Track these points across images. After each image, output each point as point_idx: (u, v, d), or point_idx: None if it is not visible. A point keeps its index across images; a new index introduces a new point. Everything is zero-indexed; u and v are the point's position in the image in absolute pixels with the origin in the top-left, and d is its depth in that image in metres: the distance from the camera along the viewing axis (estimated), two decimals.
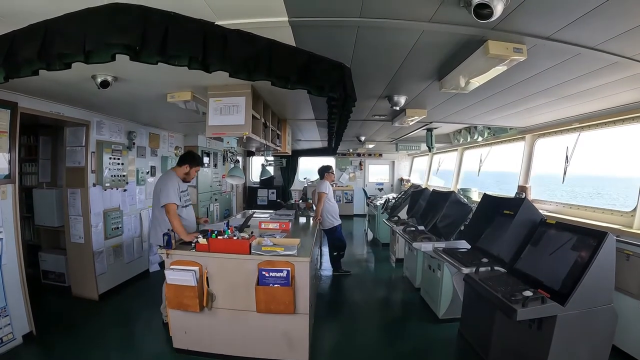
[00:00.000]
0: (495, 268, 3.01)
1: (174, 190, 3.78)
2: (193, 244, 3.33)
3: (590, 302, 2.37)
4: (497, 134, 6.04)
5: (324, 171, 6.18)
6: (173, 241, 3.32)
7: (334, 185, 11.98)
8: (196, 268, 3.21)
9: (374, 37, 2.24)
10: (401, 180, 12.88)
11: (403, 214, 5.99)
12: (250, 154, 11.80)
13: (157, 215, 3.89)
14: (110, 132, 4.99)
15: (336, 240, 5.97)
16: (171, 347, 3.44)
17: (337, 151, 10.55)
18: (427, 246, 4.03)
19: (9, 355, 3.34)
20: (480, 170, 7.44)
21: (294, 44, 2.22)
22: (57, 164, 5.36)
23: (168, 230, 3.44)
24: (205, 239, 3.29)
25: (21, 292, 3.58)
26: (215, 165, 8.20)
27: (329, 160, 12.99)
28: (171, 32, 1.63)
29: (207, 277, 3.24)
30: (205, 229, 3.88)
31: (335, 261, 6.08)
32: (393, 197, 8.29)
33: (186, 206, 4.06)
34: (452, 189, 7.62)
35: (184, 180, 4.03)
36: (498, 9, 1.64)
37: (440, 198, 4.61)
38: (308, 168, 13.00)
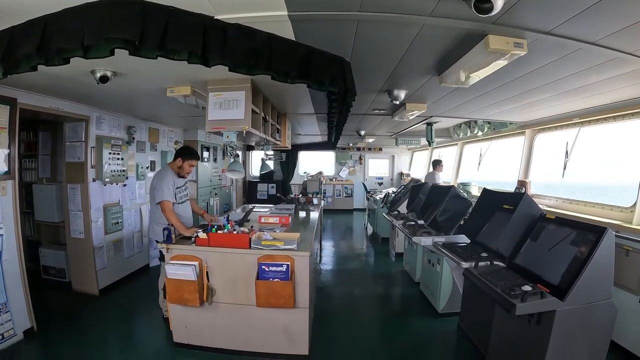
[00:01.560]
0: (495, 263, 3.01)
1: (168, 187, 3.73)
2: (193, 239, 3.34)
3: (589, 298, 2.37)
4: (497, 129, 6.04)
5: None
6: (173, 236, 3.33)
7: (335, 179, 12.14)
8: (196, 262, 3.22)
9: (374, 31, 2.23)
10: (401, 174, 12.88)
11: (403, 209, 5.99)
12: (250, 148, 11.79)
13: (154, 211, 3.87)
14: (109, 127, 4.97)
15: None
16: (172, 342, 3.45)
17: (337, 145, 10.53)
18: (426, 240, 4.04)
19: (10, 350, 3.35)
20: (479, 164, 7.43)
21: (294, 38, 2.21)
22: (57, 160, 5.35)
23: (168, 225, 3.44)
24: (205, 234, 3.29)
25: (22, 288, 3.59)
26: (215, 160, 8.19)
27: (329, 155, 13.02)
28: (170, 26, 1.62)
29: (207, 272, 3.25)
30: (205, 224, 3.88)
31: None
32: (393, 191, 8.29)
33: (182, 202, 3.99)
34: (451, 184, 7.63)
35: (179, 175, 3.95)
36: (498, 3, 1.63)
37: (440, 192, 4.61)
38: (308, 162, 13.00)
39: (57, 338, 3.63)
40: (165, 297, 3.71)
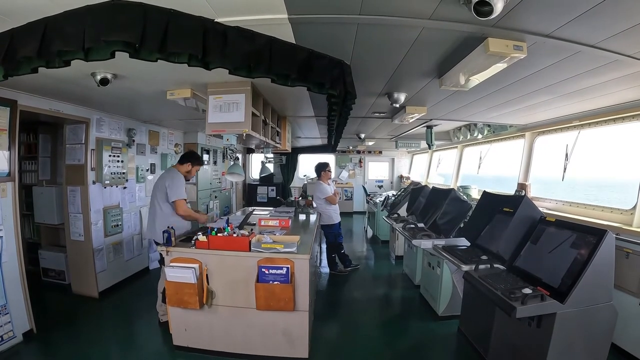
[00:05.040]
0: (495, 265, 3.01)
1: (183, 186, 3.92)
2: (193, 242, 3.34)
3: (590, 300, 2.37)
4: (497, 132, 6.04)
5: (320, 169, 6.03)
6: (173, 238, 3.32)
7: (334, 182, 12.01)
8: (196, 265, 3.21)
9: (373, 34, 2.22)
10: (401, 177, 12.88)
11: (403, 211, 5.98)
12: (250, 151, 11.79)
13: (158, 208, 3.88)
14: (109, 129, 4.98)
15: (331, 237, 5.95)
16: (171, 345, 3.44)
17: (337, 148, 10.53)
18: (426, 243, 4.03)
19: (9, 352, 3.34)
20: (480, 167, 7.43)
21: (294, 41, 2.21)
22: (57, 162, 5.36)
23: (167, 227, 3.43)
24: (205, 236, 3.29)
25: (21, 290, 3.58)
26: (215, 163, 8.18)
27: (329, 158, 13.00)
28: (171, 29, 1.63)
29: (207, 275, 3.25)
30: (206, 226, 3.88)
31: (332, 262, 6.07)
32: (393, 194, 8.29)
33: None
34: (451, 186, 7.62)
35: (185, 178, 4.09)
36: (498, 7, 1.63)
37: (440, 195, 4.60)
38: (308, 165, 12.99)
39: (56, 340, 3.62)
40: (163, 301, 3.71)
